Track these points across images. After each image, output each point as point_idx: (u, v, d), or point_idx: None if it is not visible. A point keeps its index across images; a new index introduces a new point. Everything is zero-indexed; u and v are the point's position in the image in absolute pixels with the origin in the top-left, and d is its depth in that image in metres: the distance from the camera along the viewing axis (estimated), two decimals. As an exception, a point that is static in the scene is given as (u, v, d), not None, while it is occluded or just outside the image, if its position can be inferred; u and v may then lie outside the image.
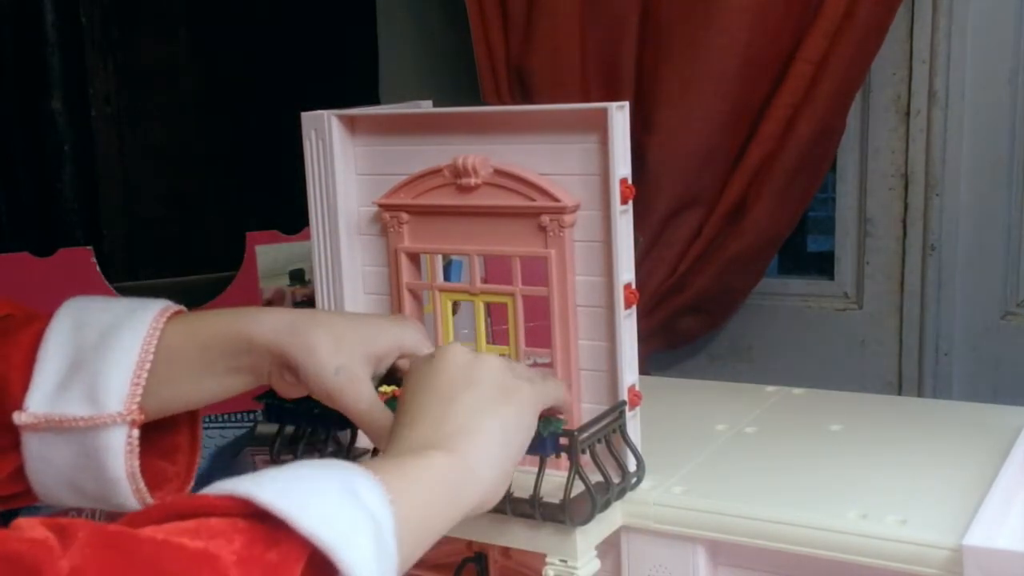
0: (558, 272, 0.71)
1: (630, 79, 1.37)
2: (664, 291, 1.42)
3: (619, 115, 0.68)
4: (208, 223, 1.74)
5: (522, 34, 1.38)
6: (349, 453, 0.74)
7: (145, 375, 0.63)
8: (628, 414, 0.72)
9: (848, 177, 1.46)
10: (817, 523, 0.67)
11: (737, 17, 1.28)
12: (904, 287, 1.43)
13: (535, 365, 0.76)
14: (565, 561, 0.68)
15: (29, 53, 1.61)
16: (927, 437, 0.80)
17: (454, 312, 0.78)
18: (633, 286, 0.71)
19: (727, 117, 1.33)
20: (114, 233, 1.69)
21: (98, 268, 1.25)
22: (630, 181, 0.70)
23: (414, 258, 0.77)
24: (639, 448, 0.72)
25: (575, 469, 0.66)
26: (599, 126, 0.68)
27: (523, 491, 0.66)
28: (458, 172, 0.72)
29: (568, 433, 0.66)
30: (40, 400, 0.63)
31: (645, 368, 0.76)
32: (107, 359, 0.63)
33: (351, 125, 0.78)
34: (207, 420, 1.23)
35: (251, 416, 1.26)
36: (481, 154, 0.72)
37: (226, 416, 1.27)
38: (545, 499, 0.66)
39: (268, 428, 0.75)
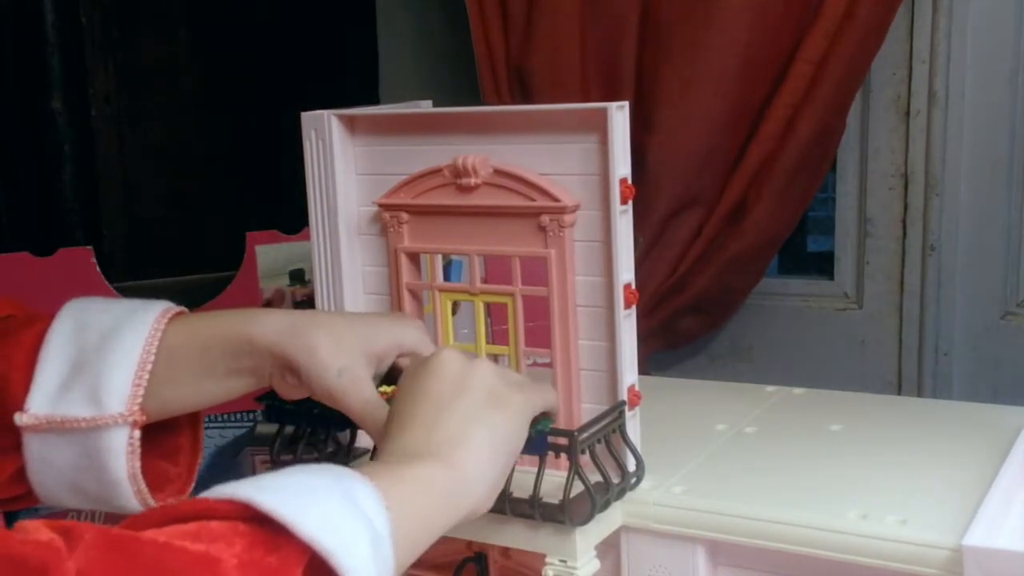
0: (558, 272, 0.71)
1: (630, 79, 1.37)
2: (664, 291, 1.42)
3: (619, 115, 0.68)
4: (208, 223, 1.74)
5: (522, 34, 1.38)
6: (349, 453, 0.74)
7: (147, 376, 0.63)
8: (628, 414, 0.72)
9: (848, 177, 1.46)
10: (817, 523, 0.67)
11: (737, 17, 1.28)
12: (904, 287, 1.43)
13: (535, 365, 0.76)
14: (565, 561, 0.68)
15: (29, 53, 1.61)
16: (927, 437, 0.80)
17: (454, 312, 0.78)
18: (633, 286, 0.71)
19: (727, 117, 1.33)
20: (114, 233, 1.69)
21: (98, 268, 1.25)
22: (630, 181, 0.70)
23: (414, 258, 0.77)
24: (639, 448, 0.72)
25: (575, 469, 0.66)
26: (599, 126, 0.68)
27: (523, 491, 0.66)
28: (458, 172, 0.72)
29: (568, 433, 0.66)
30: (41, 401, 0.63)
31: (645, 368, 0.76)
32: (108, 360, 0.63)
33: (351, 125, 0.78)
34: (207, 420, 1.22)
35: (251, 416, 1.26)
36: (481, 154, 0.72)
37: (226, 416, 1.27)
38: (545, 499, 0.66)
39: (268, 428, 0.75)
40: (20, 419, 0.62)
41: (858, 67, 1.32)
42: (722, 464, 0.77)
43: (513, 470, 0.65)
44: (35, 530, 0.42)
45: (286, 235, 1.30)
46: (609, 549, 0.73)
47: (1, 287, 1.14)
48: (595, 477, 0.67)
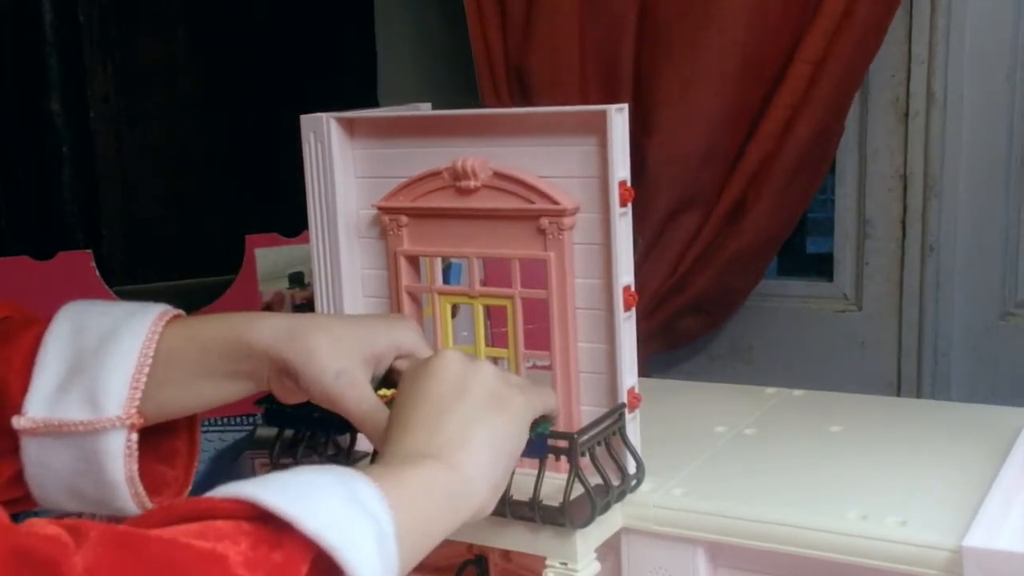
0: (557, 274, 0.71)
1: (629, 79, 1.37)
2: (664, 292, 1.42)
3: (618, 117, 0.68)
4: (207, 225, 1.74)
5: (521, 34, 1.38)
6: (349, 457, 0.74)
7: (144, 379, 0.63)
8: (628, 416, 0.72)
9: (847, 178, 1.46)
10: (817, 524, 0.67)
11: (736, 17, 1.28)
12: (903, 288, 1.43)
13: (534, 368, 0.76)
14: (565, 564, 0.68)
15: (28, 53, 1.61)
16: (927, 438, 0.80)
17: (453, 315, 0.78)
18: (632, 288, 0.71)
19: (726, 117, 1.33)
20: (113, 234, 1.69)
21: (97, 272, 1.25)
22: (629, 183, 0.70)
23: (413, 261, 0.77)
24: (639, 450, 0.72)
25: (575, 472, 0.66)
26: (598, 129, 0.68)
27: (523, 494, 0.66)
28: (457, 175, 0.72)
29: (568, 436, 0.66)
30: (39, 404, 0.62)
31: (645, 369, 0.76)
32: (106, 363, 0.63)
33: (350, 128, 0.78)
34: (206, 423, 1.23)
35: (250, 420, 1.26)
36: (480, 156, 0.72)
37: (226, 420, 1.27)
38: (545, 502, 0.66)
39: (268, 432, 0.75)
40: (18, 422, 0.62)
41: (857, 68, 1.32)
42: (722, 466, 0.77)
43: (513, 473, 0.65)
44: (42, 526, 0.42)
45: (285, 238, 1.30)
46: (609, 551, 0.73)
47: (1, 291, 1.14)
48: (595, 479, 0.67)
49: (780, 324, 1.54)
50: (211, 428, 1.25)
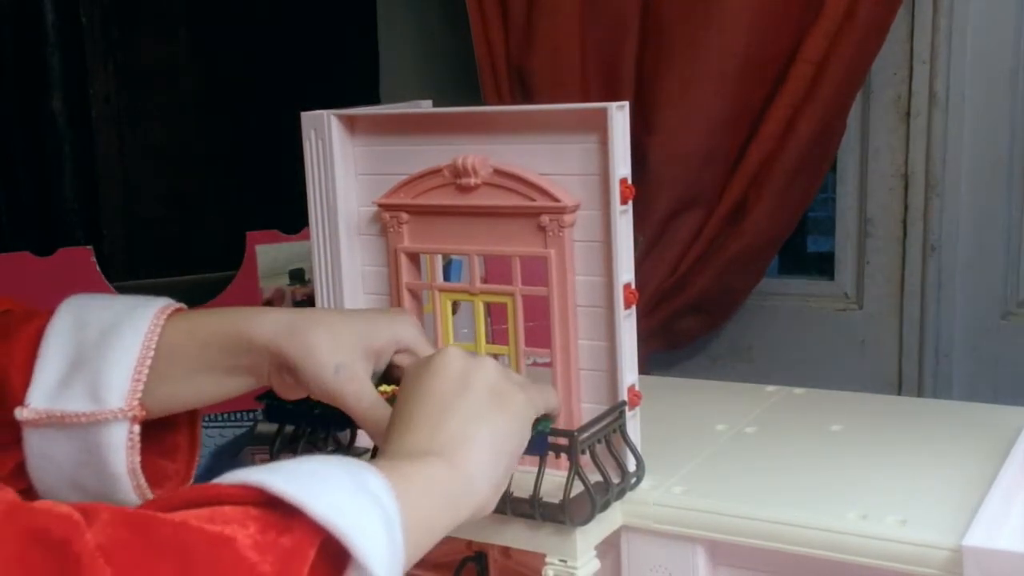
0: (558, 272, 0.71)
1: (630, 79, 1.37)
2: (664, 291, 1.42)
3: (619, 115, 0.68)
4: (208, 223, 1.74)
5: (522, 34, 1.38)
6: (348, 453, 0.74)
7: (146, 371, 0.63)
8: (628, 414, 0.72)
9: (848, 177, 1.46)
10: (817, 523, 0.67)
11: (737, 17, 1.28)
12: (904, 287, 1.43)
13: (535, 365, 0.76)
14: (565, 561, 0.68)
15: (29, 53, 1.61)
16: (927, 437, 0.80)
17: (454, 312, 0.78)
18: (633, 286, 0.71)
19: (727, 117, 1.33)
20: (114, 233, 1.69)
21: (98, 268, 1.25)
22: (630, 181, 0.70)
23: (414, 258, 0.77)
24: (639, 448, 0.72)
25: (575, 469, 0.66)
26: (599, 126, 0.68)
27: (523, 491, 0.66)
28: (458, 172, 0.72)
29: (568, 433, 0.66)
30: (41, 396, 0.63)
31: (645, 368, 0.76)
32: (108, 356, 0.63)
33: (351, 125, 0.78)
34: (207, 419, 1.23)
35: (251, 415, 1.26)
36: (481, 154, 0.72)
37: (226, 415, 1.27)
38: (545, 499, 0.66)
39: (268, 428, 0.75)
40: (20, 414, 0.62)
41: (858, 68, 1.32)
42: (722, 464, 0.77)
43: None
44: (53, 505, 0.42)
45: (286, 235, 1.30)
46: (609, 549, 0.73)
47: (1, 286, 1.14)
48: (595, 477, 0.67)
49: (781, 323, 1.54)
50: (211, 424, 1.25)
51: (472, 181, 0.72)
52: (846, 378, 1.44)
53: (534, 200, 0.71)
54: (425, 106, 0.82)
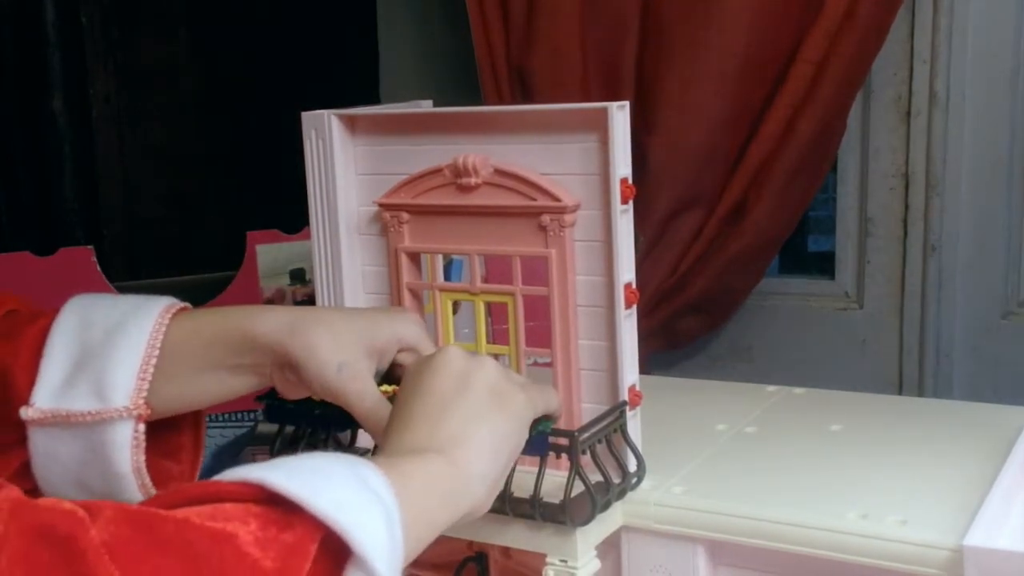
0: (558, 272, 0.71)
1: (631, 79, 1.37)
2: (664, 291, 1.42)
3: (619, 115, 0.68)
4: (208, 223, 1.74)
5: (522, 34, 1.38)
6: (349, 452, 0.74)
7: (151, 370, 0.63)
8: (628, 414, 0.72)
9: (849, 177, 1.46)
10: (817, 523, 0.67)
11: (737, 17, 1.28)
12: (905, 287, 1.43)
13: (535, 365, 0.76)
14: (565, 561, 0.68)
15: (29, 53, 1.62)
16: (927, 437, 0.80)
17: (454, 312, 0.78)
18: (633, 286, 0.71)
19: (727, 117, 1.33)
20: (114, 233, 1.69)
21: (98, 268, 1.25)
22: (630, 181, 0.69)
23: (414, 258, 0.77)
24: (639, 448, 0.72)
25: (575, 469, 0.66)
26: (600, 126, 0.68)
27: (523, 491, 0.66)
28: (458, 172, 0.72)
29: (568, 433, 0.66)
30: (46, 395, 0.63)
31: (645, 368, 0.76)
32: (113, 355, 0.63)
33: (351, 125, 0.78)
34: (208, 420, 1.23)
35: (251, 416, 1.26)
36: (481, 154, 0.72)
37: (227, 416, 1.27)
38: (545, 499, 0.66)
39: (269, 428, 0.75)
40: (26, 412, 0.62)
41: (859, 67, 1.32)
42: (722, 464, 0.77)
43: (514, 470, 0.65)
44: (58, 502, 0.42)
45: (286, 235, 1.31)
46: (610, 549, 0.73)
47: (2, 286, 1.14)
48: (596, 477, 0.67)
49: (781, 323, 1.54)
50: (212, 425, 1.25)
51: (473, 181, 0.72)
52: (846, 378, 1.44)
53: (535, 200, 0.71)
54: (425, 106, 0.82)
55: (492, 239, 0.73)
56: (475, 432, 0.58)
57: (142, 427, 0.64)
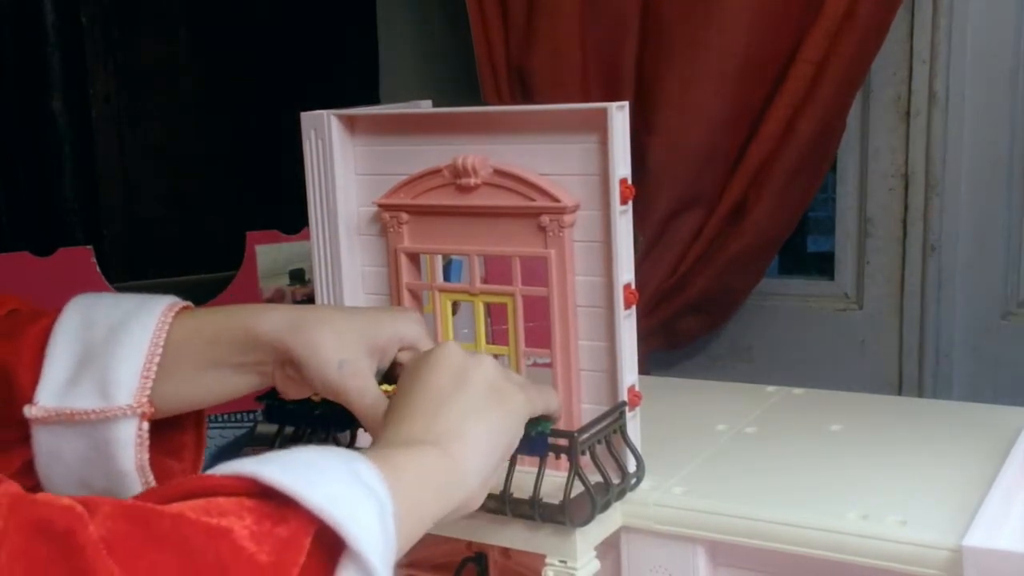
0: (558, 272, 0.71)
1: (630, 79, 1.37)
2: (664, 291, 1.42)
3: (619, 115, 0.68)
4: (208, 223, 1.74)
5: (522, 34, 1.38)
6: (349, 453, 0.74)
7: (155, 368, 0.64)
8: (628, 414, 0.72)
9: (848, 177, 1.46)
10: (817, 524, 0.67)
11: (737, 17, 1.28)
12: (904, 287, 1.43)
13: (535, 365, 0.76)
14: (565, 562, 0.68)
15: (29, 53, 1.61)
16: (927, 437, 0.80)
17: (454, 312, 0.78)
18: (633, 286, 0.71)
19: (727, 117, 1.33)
20: (114, 233, 1.69)
21: (98, 268, 1.25)
22: (630, 181, 0.69)
23: (414, 258, 0.77)
24: (639, 448, 0.72)
25: (575, 470, 0.66)
26: (599, 126, 0.68)
27: (523, 492, 0.66)
28: (458, 172, 0.72)
29: (568, 434, 0.66)
30: (50, 394, 0.63)
31: (645, 368, 0.76)
32: (116, 354, 0.63)
33: (351, 125, 0.78)
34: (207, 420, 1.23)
35: (251, 416, 1.26)
36: (481, 154, 0.72)
37: (226, 416, 1.27)
38: (545, 500, 0.66)
39: (268, 428, 0.75)
40: (29, 411, 0.62)
41: (858, 67, 1.32)
42: (722, 464, 0.77)
43: (513, 470, 0.65)
44: (55, 497, 0.42)
45: (286, 235, 1.31)
46: (609, 549, 0.73)
47: (1, 286, 1.14)
48: (595, 478, 0.67)
49: (781, 323, 1.54)
50: (212, 425, 1.25)
51: (472, 181, 0.72)
52: (846, 378, 1.44)
53: (534, 200, 0.71)
54: (425, 106, 0.82)
55: (491, 239, 0.73)
56: (471, 427, 0.58)
57: (146, 425, 0.64)
